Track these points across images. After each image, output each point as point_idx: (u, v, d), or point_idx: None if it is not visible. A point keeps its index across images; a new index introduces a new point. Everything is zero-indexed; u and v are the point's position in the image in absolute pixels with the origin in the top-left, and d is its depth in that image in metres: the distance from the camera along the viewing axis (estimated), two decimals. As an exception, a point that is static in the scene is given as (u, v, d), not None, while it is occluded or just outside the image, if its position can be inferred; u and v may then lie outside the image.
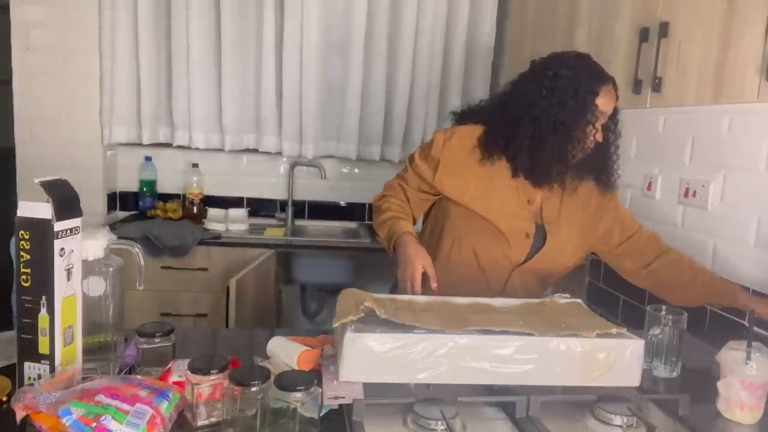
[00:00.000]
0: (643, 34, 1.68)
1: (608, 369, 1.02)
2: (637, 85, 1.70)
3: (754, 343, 1.01)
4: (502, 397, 1.02)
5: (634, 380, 1.03)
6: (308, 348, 1.11)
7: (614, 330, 1.06)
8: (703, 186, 1.83)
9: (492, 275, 1.49)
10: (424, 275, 1.33)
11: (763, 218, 1.62)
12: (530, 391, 0.99)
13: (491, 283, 1.49)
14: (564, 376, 1.02)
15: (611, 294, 2.35)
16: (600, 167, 1.46)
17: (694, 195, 1.87)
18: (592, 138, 1.38)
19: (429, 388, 1.03)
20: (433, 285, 1.32)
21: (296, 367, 1.07)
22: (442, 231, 1.52)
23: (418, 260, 1.33)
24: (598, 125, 1.37)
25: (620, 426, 0.97)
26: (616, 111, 1.43)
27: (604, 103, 1.36)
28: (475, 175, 1.46)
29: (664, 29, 1.60)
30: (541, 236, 1.48)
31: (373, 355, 0.99)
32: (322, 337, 1.23)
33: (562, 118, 1.35)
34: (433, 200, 1.56)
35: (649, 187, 2.11)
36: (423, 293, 1.30)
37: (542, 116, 1.37)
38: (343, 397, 0.98)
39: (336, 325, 1.06)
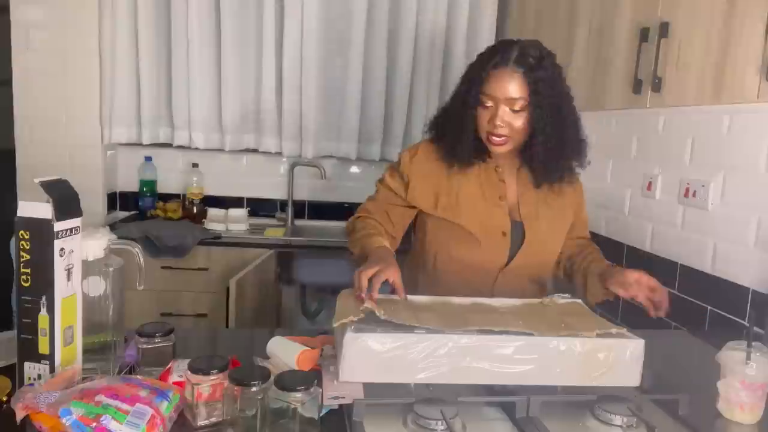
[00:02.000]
0: (643, 34, 1.68)
1: (608, 369, 1.02)
2: (637, 85, 1.70)
3: (754, 343, 1.01)
4: (502, 397, 1.02)
5: (634, 380, 1.03)
6: (308, 348, 1.11)
7: (614, 330, 1.06)
8: (703, 186, 1.83)
9: (478, 281, 1.45)
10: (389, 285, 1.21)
11: (763, 218, 1.62)
12: (530, 391, 0.99)
13: (479, 290, 1.41)
14: (564, 376, 1.02)
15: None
16: (531, 156, 1.40)
17: (694, 195, 1.87)
18: (499, 123, 1.33)
19: (429, 388, 1.03)
20: (401, 294, 1.18)
21: (296, 367, 1.06)
22: (424, 245, 1.50)
23: (381, 266, 1.17)
24: (494, 109, 1.33)
25: (620, 426, 0.96)
26: (532, 96, 1.32)
27: (496, 87, 1.32)
28: (444, 185, 1.45)
29: (664, 29, 1.60)
30: (520, 233, 1.45)
31: (373, 355, 0.99)
32: (322, 337, 1.23)
33: (455, 104, 1.40)
34: (413, 213, 1.53)
35: (649, 187, 2.11)
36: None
37: (450, 106, 1.43)
38: (343, 397, 0.98)
39: (336, 325, 1.06)
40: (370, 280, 1.14)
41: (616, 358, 1.01)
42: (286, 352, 1.11)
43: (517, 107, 1.32)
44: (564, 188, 1.48)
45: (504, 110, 1.33)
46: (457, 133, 1.40)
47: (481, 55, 1.39)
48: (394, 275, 1.17)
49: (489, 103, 1.34)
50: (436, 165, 1.46)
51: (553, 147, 1.36)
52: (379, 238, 1.36)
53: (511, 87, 1.31)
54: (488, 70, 1.33)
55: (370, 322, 1.06)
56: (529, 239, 1.44)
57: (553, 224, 1.48)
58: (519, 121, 1.33)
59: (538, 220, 1.45)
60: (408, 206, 1.50)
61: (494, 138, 1.36)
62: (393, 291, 1.19)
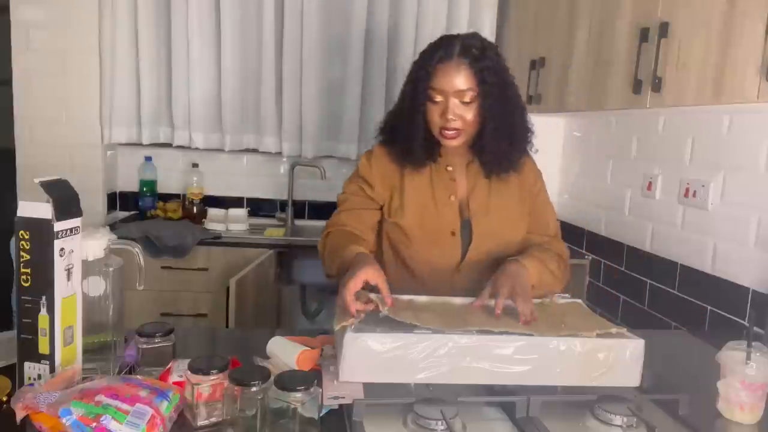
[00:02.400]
0: (643, 34, 1.68)
1: (608, 369, 1.02)
2: (637, 85, 1.70)
3: (754, 343, 1.01)
4: (502, 397, 1.02)
5: (634, 380, 1.03)
6: (307, 348, 1.11)
7: (614, 330, 1.06)
8: (703, 186, 1.83)
9: (435, 280, 1.42)
10: (369, 287, 1.17)
11: (763, 218, 1.62)
12: (530, 391, 0.99)
13: (437, 289, 1.37)
14: (564, 376, 1.02)
15: (611, 294, 2.35)
16: (482, 147, 1.38)
17: (694, 195, 1.87)
18: (451, 117, 1.32)
19: (429, 388, 1.03)
20: (388, 301, 1.13)
21: (296, 367, 1.07)
22: (382, 252, 1.49)
23: (363, 271, 1.13)
24: (444, 103, 1.32)
25: (620, 426, 0.97)
26: (480, 86, 1.31)
27: (444, 81, 1.31)
28: (397, 187, 1.44)
29: (664, 29, 1.60)
30: (470, 230, 1.42)
31: (373, 355, 0.99)
32: (322, 337, 1.23)
33: (403, 104, 1.39)
34: (380, 216, 1.48)
35: (649, 187, 2.11)
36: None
37: (398, 107, 1.42)
38: (343, 398, 0.98)
39: (337, 328, 1.06)
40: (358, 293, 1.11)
41: (616, 359, 1.01)
42: (285, 352, 1.11)
43: (467, 99, 1.31)
44: (509, 176, 1.45)
45: (454, 103, 1.32)
46: (408, 133, 1.39)
47: (424, 52, 1.38)
48: (377, 278, 1.14)
49: (439, 98, 1.33)
50: (390, 168, 1.45)
51: (503, 136, 1.36)
52: (353, 246, 1.30)
53: (459, 79, 1.30)
54: (434, 65, 1.32)
55: (369, 322, 1.06)
56: (477, 236, 1.41)
57: (506, 214, 1.45)
58: (470, 113, 1.33)
59: (489, 214, 1.43)
60: (377, 209, 1.48)
61: (447, 132, 1.35)
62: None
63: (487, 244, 1.42)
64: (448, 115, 1.32)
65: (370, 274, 1.14)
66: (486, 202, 1.44)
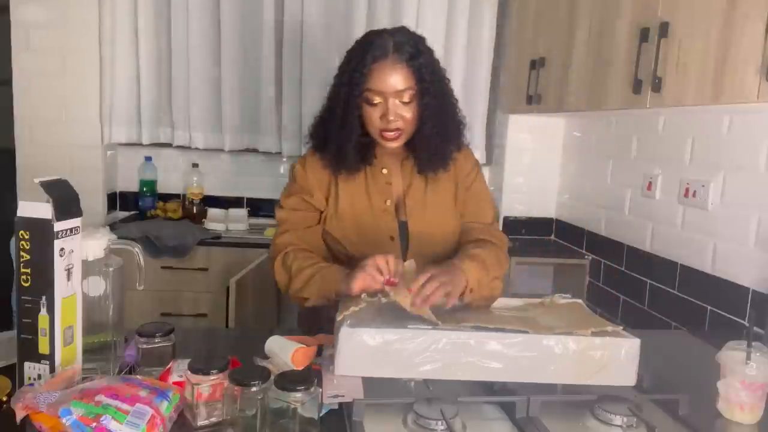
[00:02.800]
0: (643, 34, 1.68)
1: (603, 368, 1.01)
2: (637, 85, 1.69)
3: (754, 343, 1.01)
4: (502, 397, 1.02)
5: (630, 379, 1.03)
6: (303, 345, 1.11)
7: (609, 328, 1.06)
8: (703, 186, 1.83)
9: None
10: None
11: (763, 218, 1.62)
12: (530, 391, 0.99)
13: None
14: (559, 374, 1.01)
15: (611, 294, 2.35)
16: (419, 145, 1.35)
17: (694, 195, 1.87)
18: (392, 118, 1.28)
19: (429, 388, 1.03)
20: (394, 280, 1.16)
21: (291, 365, 1.07)
22: (327, 257, 1.44)
23: (371, 259, 1.18)
24: (384, 104, 1.28)
25: (620, 426, 0.96)
26: (419, 84, 1.28)
27: (381, 82, 1.26)
28: (333, 194, 1.40)
29: (664, 29, 1.60)
30: (407, 233, 1.39)
31: (368, 350, 0.99)
32: (321, 336, 1.23)
33: (336, 108, 1.33)
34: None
35: (649, 187, 2.11)
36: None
37: (329, 111, 1.35)
38: (343, 396, 0.98)
39: (339, 318, 1.06)
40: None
41: (611, 357, 1.01)
42: (282, 350, 1.11)
43: (406, 98, 1.28)
44: (451, 173, 1.43)
45: (394, 103, 1.28)
46: (342, 137, 1.33)
47: (353, 51, 1.32)
48: (389, 258, 1.18)
49: (377, 100, 1.28)
50: (324, 174, 1.40)
51: (439, 132, 1.33)
52: (326, 268, 1.28)
53: (398, 79, 1.26)
54: (369, 65, 1.26)
55: (366, 317, 1.07)
56: (414, 237, 1.39)
57: (442, 210, 1.42)
58: (410, 113, 1.29)
59: (425, 213, 1.40)
60: (319, 220, 1.43)
61: (388, 134, 1.31)
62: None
63: (426, 242, 1.39)
64: (390, 117, 1.28)
65: (381, 258, 1.17)
66: (422, 200, 1.41)
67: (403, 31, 1.32)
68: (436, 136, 1.33)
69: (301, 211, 1.42)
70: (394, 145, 1.34)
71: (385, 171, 1.41)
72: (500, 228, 2.84)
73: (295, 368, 1.06)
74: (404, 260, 1.32)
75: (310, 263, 1.32)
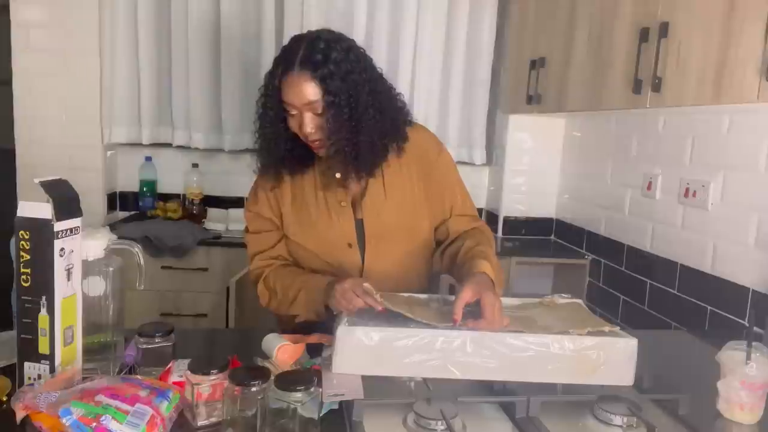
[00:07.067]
0: (643, 34, 1.68)
1: (600, 367, 1.01)
2: (637, 85, 1.70)
3: (754, 343, 1.01)
4: (502, 397, 1.02)
5: (628, 379, 1.03)
6: (288, 342, 1.11)
7: (607, 328, 1.06)
8: (703, 186, 1.83)
9: None
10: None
11: (763, 218, 1.62)
12: (530, 391, 0.99)
13: None
14: (556, 374, 1.01)
15: (611, 294, 2.35)
16: (349, 152, 1.28)
17: (694, 195, 1.87)
18: (309, 130, 1.25)
19: (429, 388, 1.03)
20: (379, 308, 1.12)
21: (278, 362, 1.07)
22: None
23: (348, 282, 1.17)
24: (299, 116, 1.25)
25: (620, 426, 0.97)
26: (327, 96, 1.22)
27: (291, 95, 1.23)
28: (288, 207, 1.39)
29: (664, 29, 1.60)
30: (363, 233, 1.37)
31: (366, 348, 0.99)
32: (319, 335, 1.23)
33: (264, 123, 1.33)
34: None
35: (649, 187, 2.11)
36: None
37: (260, 126, 1.35)
38: (343, 394, 0.98)
39: (337, 313, 1.07)
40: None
41: (608, 357, 1.01)
42: (271, 347, 1.12)
43: (319, 110, 1.23)
44: (400, 160, 1.37)
45: (308, 116, 1.24)
46: (275, 151, 1.32)
47: (274, 60, 1.29)
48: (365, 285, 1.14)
49: (293, 111, 1.26)
50: (275, 190, 1.40)
51: (372, 132, 1.26)
52: (312, 279, 1.29)
53: (305, 92, 1.22)
54: (278, 78, 1.24)
55: (364, 316, 1.07)
56: (368, 247, 1.36)
57: (403, 203, 1.38)
58: (326, 123, 1.24)
59: (383, 211, 1.36)
60: (281, 236, 1.43)
61: (311, 143, 1.29)
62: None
63: (385, 242, 1.36)
64: (306, 129, 1.25)
65: (358, 282, 1.15)
66: (381, 197, 1.36)
67: (319, 36, 1.26)
68: (368, 137, 1.26)
69: (264, 232, 1.43)
70: (323, 152, 1.30)
71: (338, 175, 1.35)
72: (500, 228, 2.86)
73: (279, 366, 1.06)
74: (363, 263, 1.35)
75: (291, 281, 1.33)
